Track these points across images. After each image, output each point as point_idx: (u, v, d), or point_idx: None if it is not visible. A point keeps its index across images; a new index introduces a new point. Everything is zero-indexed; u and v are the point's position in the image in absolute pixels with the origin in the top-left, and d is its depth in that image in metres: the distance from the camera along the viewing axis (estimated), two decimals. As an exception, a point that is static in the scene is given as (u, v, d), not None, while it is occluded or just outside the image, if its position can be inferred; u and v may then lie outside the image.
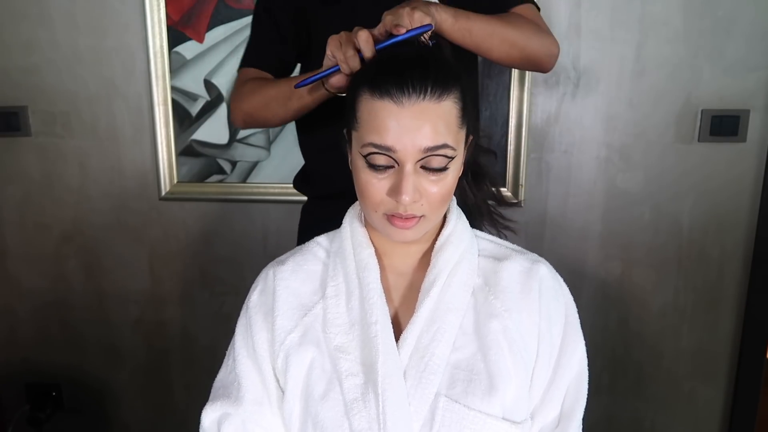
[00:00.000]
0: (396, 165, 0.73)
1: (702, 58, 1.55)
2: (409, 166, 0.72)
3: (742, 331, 1.68)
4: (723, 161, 1.60)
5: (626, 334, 1.72)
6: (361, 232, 0.85)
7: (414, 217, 0.76)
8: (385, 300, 0.80)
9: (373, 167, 0.74)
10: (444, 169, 0.74)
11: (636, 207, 1.64)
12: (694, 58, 1.55)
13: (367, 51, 0.81)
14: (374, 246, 0.84)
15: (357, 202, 0.87)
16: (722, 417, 1.75)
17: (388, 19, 0.84)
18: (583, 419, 0.84)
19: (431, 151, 0.72)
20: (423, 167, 0.73)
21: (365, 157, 0.74)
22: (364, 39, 0.81)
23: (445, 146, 0.73)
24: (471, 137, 0.82)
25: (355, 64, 0.82)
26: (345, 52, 0.82)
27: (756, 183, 1.61)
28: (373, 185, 0.75)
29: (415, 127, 0.71)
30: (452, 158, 0.74)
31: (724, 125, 1.57)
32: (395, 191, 0.73)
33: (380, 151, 0.72)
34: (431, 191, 0.74)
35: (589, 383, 0.84)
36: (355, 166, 0.77)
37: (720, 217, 1.63)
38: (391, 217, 0.76)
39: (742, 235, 1.64)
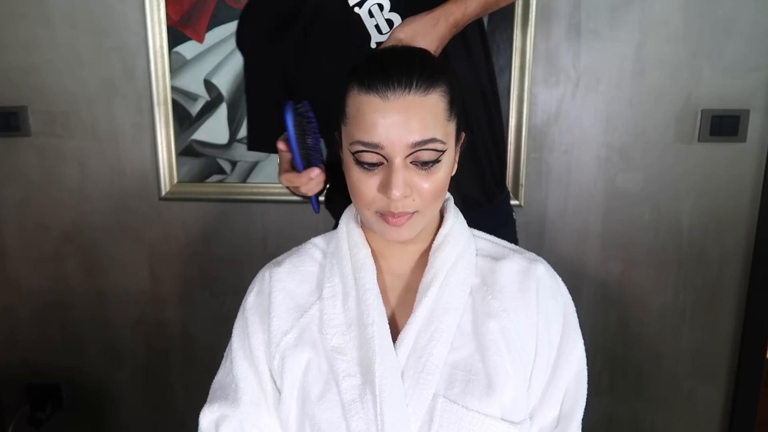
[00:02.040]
0: (385, 161, 0.73)
1: (702, 58, 1.55)
2: (398, 161, 0.72)
3: (742, 331, 1.68)
4: (723, 161, 1.60)
5: (626, 334, 1.71)
6: (358, 233, 0.85)
7: (406, 213, 0.75)
8: (381, 301, 0.80)
9: (363, 165, 0.74)
10: (435, 162, 0.74)
11: (636, 207, 1.64)
12: (694, 58, 1.55)
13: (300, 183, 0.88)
14: (371, 247, 0.84)
15: (353, 204, 0.87)
16: (722, 417, 1.75)
17: None
18: (583, 419, 0.83)
19: (419, 145, 0.72)
20: (413, 162, 0.73)
21: (354, 154, 0.74)
22: (287, 182, 0.90)
23: (433, 140, 0.72)
24: (464, 135, 0.82)
25: (311, 189, 0.90)
26: (298, 190, 0.90)
27: (756, 183, 1.60)
28: (364, 182, 0.75)
29: (402, 121, 0.71)
30: (442, 152, 0.74)
31: (724, 125, 1.57)
32: (385, 187, 0.73)
33: (368, 149, 0.72)
34: (423, 187, 0.74)
35: (589, 383, 0.84)
36: (346, 164, 0.77)
37: (720, 217, 1.63)
38: (384, 215, 0.76)
39: (742, 235, 1.64)
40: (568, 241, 1.67)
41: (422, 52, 0.79)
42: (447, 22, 0.90)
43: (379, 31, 1.01)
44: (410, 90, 0.71)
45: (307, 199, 0.95)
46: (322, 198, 1.02)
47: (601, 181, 1.64)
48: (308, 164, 0.89)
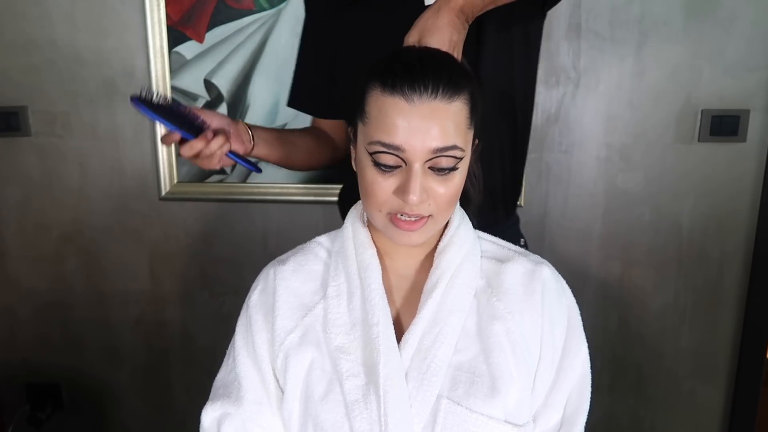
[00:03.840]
0: (403, 164, 0.73)
1: (702, 58, 1.55)
2: (417, 166, 0.72)
3: (742, 331, 1.68)
4: (723, 161, 1.60)
5: (626, 334, 1.72)
6: (363, 233, 0.85)
7: (421, 218, 0.75)
8: (386, 301, 0.80)
9: (380, 166, 0.73)
10: (452, 169, 0.74)
11: (636, 207, 1.64)
12: (694, 58, 1.55)
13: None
14: (376, 247, 0.84)
15: (359, 202, 0.87)
16: (722, 417, 1.75)
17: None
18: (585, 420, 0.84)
19: (440, 152, 0.72)
20: (431, 168, 0.73)
21: (372, 155, 0.73)
22: (189, 151, 0.91)
23: (454, 147, 0.72)
24: (477, 141, 0.82)
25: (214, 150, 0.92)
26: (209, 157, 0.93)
27: (756, 183, 1.60)
28: (379, 184, 0.74)
29: (425, 127, 0.70)
30: (460, 159, 0.74)
31: (724, 125, 1.57)
32: (403, 191, 0.73)
33: (388, 151, 0.72)
34: (439, 192, 0.74)
35: (591, 385, 0.84)
36: (360, 162, 0.77)
37: (720, 217, 1.63)
38: (395, 219, 0.76)
39: (742, 235, 1.64)
40: (569, 241, 1.67)
41: (448, 57, 0.79)
42: (449, 8, 0.87)
43: None
44: (436, 95, 0.71)
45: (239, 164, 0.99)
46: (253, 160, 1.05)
47: (601, 181, 1.64)
48: (197, 131, 0.93)
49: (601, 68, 1.57)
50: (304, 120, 1.65)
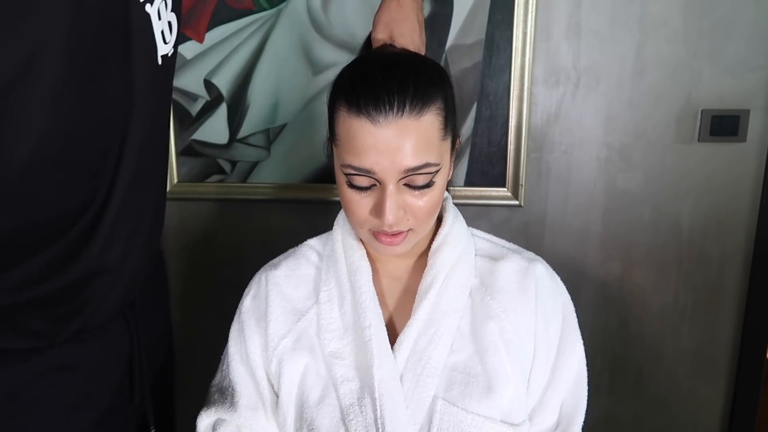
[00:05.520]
0: (378, 184, 0.72)
1: (702, 58, 1.55)
2: (391, 187, 0.70)
3: (742, 332, 1.68)
4: (723, 161, 1.60)
5: (626, 334, 1.71)
6: (352, 236, 0.84)
7: (401, 232, 0.75)
8: (378, 303, 0.79)
9: (355, 188, 0.73)
10: (428, 185, 0.72)
11: (636, 207, 1.64)
12: (694, 58, 1.55)
13: None
14: (366, 250, 0.84)
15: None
16: (722, 417, 1.75)
17: None
18: (583, 420, 0.83)
19: (412, 171, 0.70)
20: (406, 185, 0.72)
21: (346, 176, 0.73)
22: None
23: (426, 165, 0.70)
24: (458, 140, 0.81)
25: None
26: None
27: (756, 183, 1.60)
28: (357, 203, 0.73)
29: (395, 147, 0.68)
30: (435, 173, 0.72)
31: (724, 125, 1.56)
32: (378, 211, 0.72)
33: (360, 173, 0.70)
34: (417, 205, 0.73)
35: (589, 384, 0.84)
36: (338, 181, 0.77)
37: (720, 217, 1.63)
38: (377, 234, 0.75)
39: (743, 235, 1.64)
40: (568, 241, 1.67)
41: (416, 63, 0.74)
42: None
43: (164, 40, 0.76)
44: (403, 113, 0.68)
45: None
46: None
47: (601, 181, 1.64)
48: None
49: (601, 68, 1.57)
50: (304, 120, 1.65)
